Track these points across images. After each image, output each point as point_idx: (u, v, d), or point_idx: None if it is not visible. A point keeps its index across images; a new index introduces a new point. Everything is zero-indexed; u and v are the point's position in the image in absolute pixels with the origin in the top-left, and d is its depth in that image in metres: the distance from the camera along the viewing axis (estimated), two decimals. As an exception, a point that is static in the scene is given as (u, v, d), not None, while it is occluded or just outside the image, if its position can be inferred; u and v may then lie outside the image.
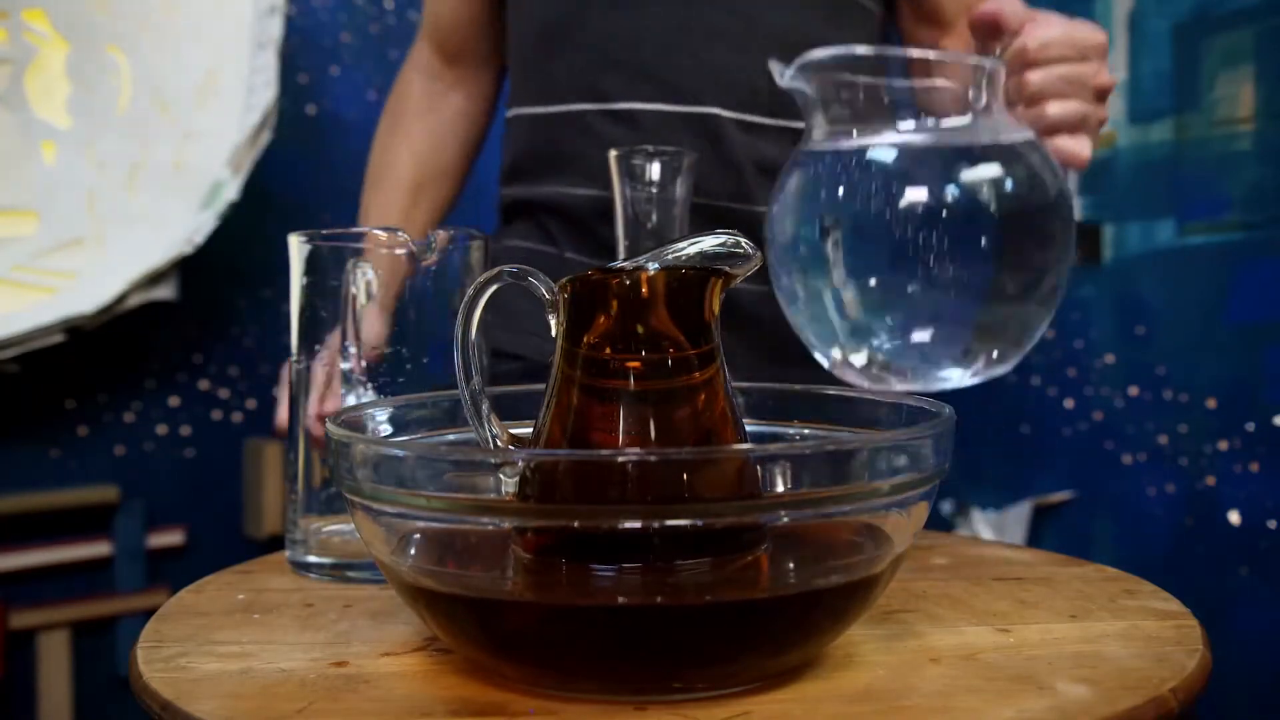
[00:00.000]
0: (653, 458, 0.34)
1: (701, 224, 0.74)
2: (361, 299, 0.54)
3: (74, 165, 1.48)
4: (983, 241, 0.49)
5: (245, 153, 1.53)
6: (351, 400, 0.55)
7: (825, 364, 0.55)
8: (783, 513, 0.36)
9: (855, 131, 0.51)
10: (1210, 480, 1.38)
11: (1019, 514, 1.57)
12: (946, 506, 1.67)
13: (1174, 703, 0.36)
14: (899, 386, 0.52)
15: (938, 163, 0.49)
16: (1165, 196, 1.41)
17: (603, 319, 0.40)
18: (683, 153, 0.63)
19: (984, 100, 0.52)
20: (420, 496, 0.36)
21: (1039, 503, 1.57)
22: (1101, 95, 0.56)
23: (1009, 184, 0.49)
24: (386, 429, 0.47)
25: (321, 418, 0.52)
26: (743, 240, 0.41)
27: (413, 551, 0.40)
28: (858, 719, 0.34)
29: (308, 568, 0.54)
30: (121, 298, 1.44)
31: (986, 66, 0.52)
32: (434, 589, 0.37)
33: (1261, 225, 1.34)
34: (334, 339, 0.55)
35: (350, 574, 0.52)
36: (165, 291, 1.50)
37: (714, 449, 0.39)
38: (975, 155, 0.49)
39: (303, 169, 1.74)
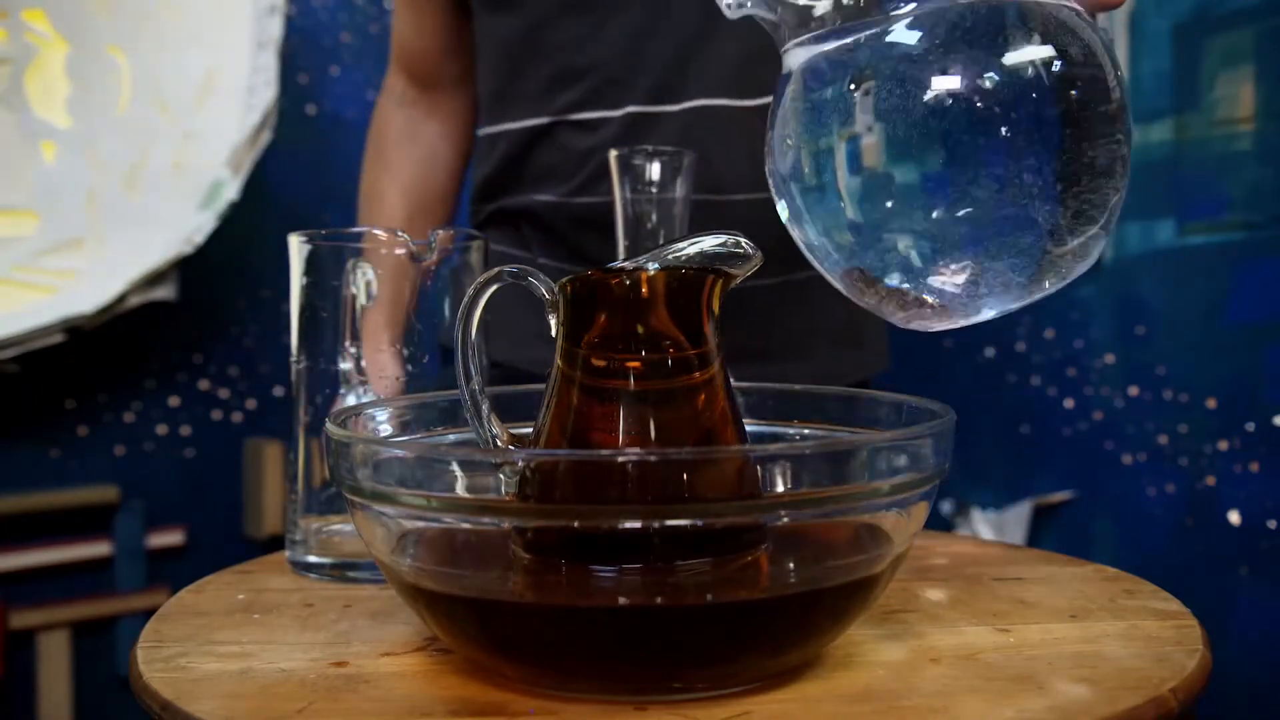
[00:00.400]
0: (653, 458, 0.34)
1: (724, 222, 0.73)
2: (361, 299, 0.54)
3: (74, 165, 1.48)
4: (1046, 131, 0.40)
5: (245, 153, 1.53)
6: (351, 400, 0.55)
7: (844, 288, 0.47)
8: (783, 513, 0.36)
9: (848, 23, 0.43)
10: (1210, 480, 1.38)
11: (1019, 514, 1.57)
12: (946, 506, 1.67)
13: (1174, 703, 0.36)
14: (930, 311, 0.45)
15: (983, 34, 0.41)
16: (1165, 197, 1.41)
17: (603, 319, 0.40)
18: (683, 152, 0.63)
19: None
20: (420, 496, 0.36)
21: (1039, 503, 1.57)
22: None
23: (1071, 61, 0.41)
24: (386, 429, 0.47)
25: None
26: (743, 240, 0.41)
27: (412, 551, 0.40)
28: (858, 719, 0.34)
29: (308, 568, 0.54)
30: (121, 298, 1.44)
31: None
32: (434, 589, 0.37)
33: (1261, 225, 1.34)
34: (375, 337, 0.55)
35: (350, 574, 0.52)
36: (165, 291, 1.50)
37: (714, 449, 0.39)
38: (1027, 22, 0.41)
39: (303, 169, 1.75)
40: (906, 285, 0.44)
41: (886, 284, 0.44)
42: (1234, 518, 1.35)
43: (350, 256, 0.54)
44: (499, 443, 0.43)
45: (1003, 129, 0.40)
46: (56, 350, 1.45)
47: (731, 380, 0.42)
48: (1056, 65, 0.40)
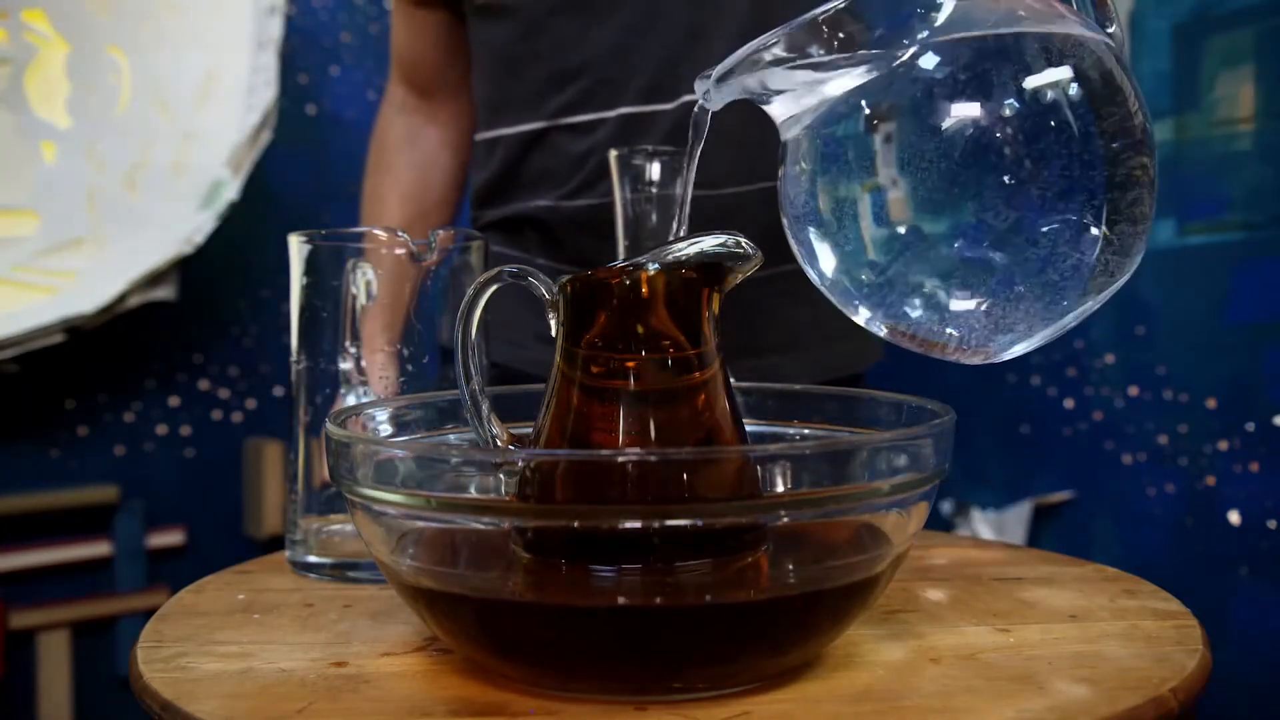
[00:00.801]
0: (653, 458, 0.34)
1: (709, 216, 0.73)
2: (361, 299, 0.54)
3: (74, 165, 1.48)
4: (1076, 167, 0.38)
5: (245, 153, 1.53)
6: (351, 400, 0.55)
7: (871, 326, 0.45)
8: (783, 513, 0.36)
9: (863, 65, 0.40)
10: (1210, 480, 1.38)
11: (1019, 514, 1.57)
12: (946, 506, 1.67)
13: (1174, 703, 0.36)
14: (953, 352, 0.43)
15: (1007, 65, 0.39)
16: (1165, 197, 1.41)
17: (603, 319, 0.40)
18: (682, 153, 0.63)
19: None
20: (420, 496, 0.36)
21: (1039, 503, 1.57)
22: None
23: (1093, 92, 0.39)
24: (386, 429, 0.47)
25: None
26: (743, 240, 0.41)
27: (412, 551, 0.40)
28: (857, 719, 0.34)
29: (308, 568, 0.54)
30: (121, 298, 1.44)
31: None
32: (434, 589, 0.37)
33: (1261, 225, 1.34)
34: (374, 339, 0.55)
35: (350, 574, 0.52)
36: (165, 291, 1.50)
37: (714, 449, 0.39)
38: (1052, 51, 0.39)
39: (303, 169, 1.75)
40: (951, 331, 0.42)
41: (927, 331, 0.43)
42: (1234, 518, 1.35)
43: (350, 256, 0.54)
44: (499, 443, 0.43)
45: (1028, 166, 0.39)
46: (56, 350, 1.45)
47: (731, 380, 0.42)
48: (1076, 96, 0.39)
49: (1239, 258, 1.35)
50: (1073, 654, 0.40)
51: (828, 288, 0.45)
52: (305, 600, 0.49)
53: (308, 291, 0.55)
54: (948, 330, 0.42)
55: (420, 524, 0.40)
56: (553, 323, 0.41)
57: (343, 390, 0.55)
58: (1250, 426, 1.34)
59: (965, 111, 0.39)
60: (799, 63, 0.42)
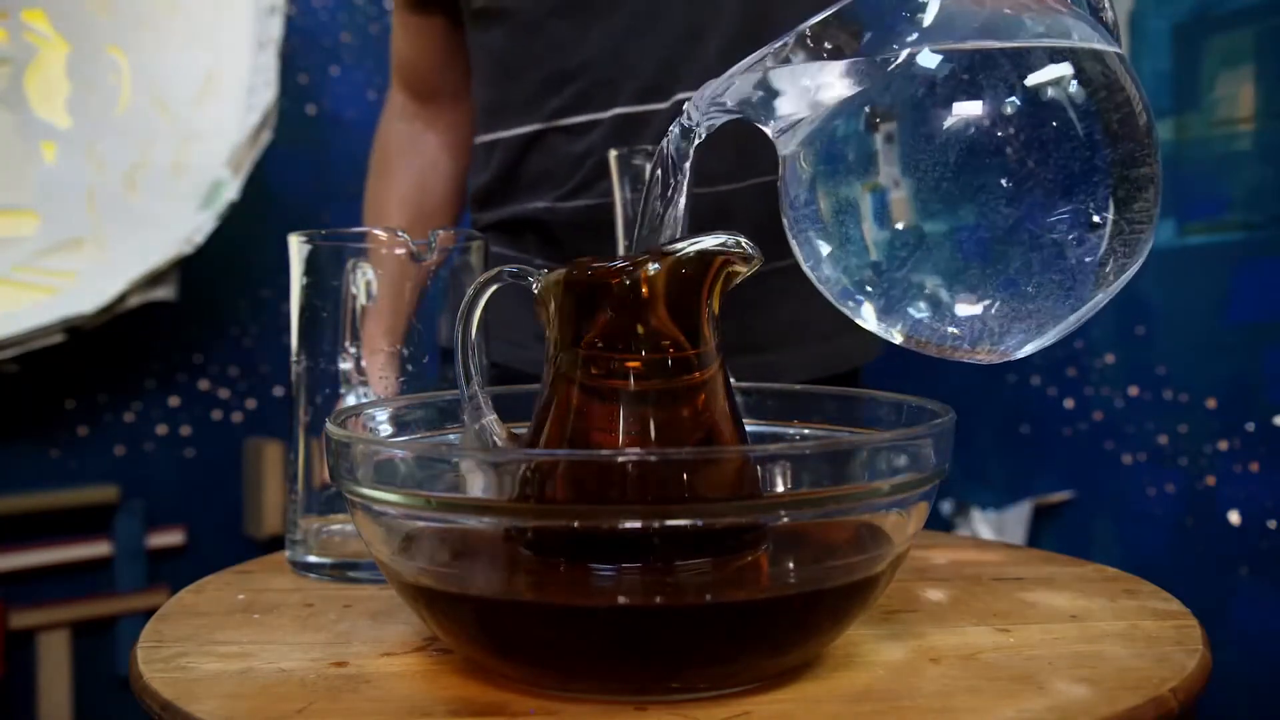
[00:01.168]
0: (653, 458, 0.34)
1: (703, 213, 0.73)
2: (361, 299, 0.54)
3: (74, 165, 1.48)
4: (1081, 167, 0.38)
5: (245, 153, 1.53)
6: (351, 400, 0.55)
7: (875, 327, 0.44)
8: (783, 513, 0.36)
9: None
10: (1210, 480, 1.38)
11: (1019, 514, 1.57)
12: (946, 506, 1.67)
13: (1174, 703, 0.36)
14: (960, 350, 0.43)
15: (1004, 62, 0.39)
16: (1165, 197, 1.40)
17: (602, 318, 0.40)
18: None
19: None
20: (420, 496, 0.36)
21: (1039, 503, 1.57)
22: None
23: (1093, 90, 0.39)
24: (386, 429, 0.47)
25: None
26: (742, 240, 0.41)
27: (412, 551, 0.40)
28: (858, 719, 0.34)
29: (308, 568, 0.54)
30: (121, 298, 1.44)
31: None
32: (434, 588, 0.37)
33: (1261, 225, 1.34)
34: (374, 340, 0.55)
35: (350, 574, 0.52)
36: (165, 291, 1.50)
37: (714, 449, 0.39)
38: (1050, 44, 0.39)
39: (303, 169, 1.75)
40: (964, 332, 0.42)
41: (940, 335, 0.42)
42: (1234, 518, 1.35)
43: (350, 256, 0.54)
44: (499, 442, 0.43)
45: (1030, 162, 0.38)
46: (56, 350, 1.46)
47: (731, 380, 0.42)
48: (1075, 88, 0.39)
49: (1239, 258, 1.35)
50: (1073, 654, 0.40)
51: (837, 296, 0.44)
52: (305, 600, 0.49)
53: (308, 291, 0.55)
54: (960, 332, 0.42)
55: (420, 524, 0.40)
56: (544, 319, 0.41)
57: (343, 390, 0.55)
58: (1250, 426, 1.34)
59: (965, 110, 0.39)
60: (791, 77, 0.42)
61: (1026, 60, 0.39)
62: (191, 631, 0.44)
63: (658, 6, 0.76)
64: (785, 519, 0.36)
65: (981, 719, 0.34)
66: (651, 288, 0.39)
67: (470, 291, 0.42)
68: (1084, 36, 0.41)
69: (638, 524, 0.34)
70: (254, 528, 1.69)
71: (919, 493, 0.38)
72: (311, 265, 0.55)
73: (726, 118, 0.44)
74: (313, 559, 0.54)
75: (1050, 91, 0.39)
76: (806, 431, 0.49)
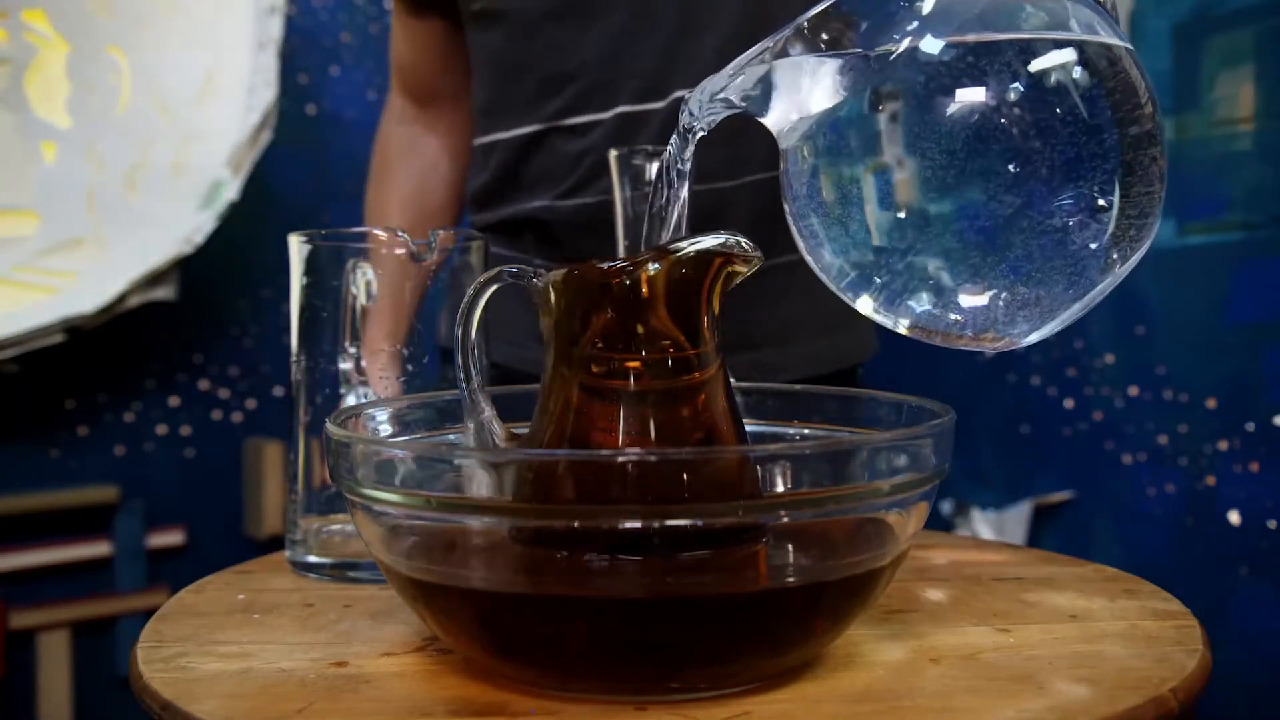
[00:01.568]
0: (653, 458, 0.34)
1: (701, 210, 0.73)
2: (361, 299, 0.54)
3: (74, 165, 1.48)
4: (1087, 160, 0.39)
5: (245, 153, 1.53)
6: (351, 400, 0.55)
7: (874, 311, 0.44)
8: (783, 513, 0.36)
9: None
10: (1210, 480, 1.38)
11: (1019, 514, 1.57)
12: (946, 506, 1.67)
13: (1174, 703, 0.36)
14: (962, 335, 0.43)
15: (1008, 48, 0.39)
16: (1165, 196, 1.41)
17: (602, 318, 0.40)
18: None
19: None
20: (420, 496, 0.36)
21: (1039, 503, 1.57)
22: None
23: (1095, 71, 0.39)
24: (386, 429, 0.47)
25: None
26: (742, 240, 0.41)
27: (411, 549, 0.40)
28: (858, 719, 0.34)
29: (308, 568, 0.54)
30: (121, 298, 1.44)
31: None
32: (431, 582, 0.37)
33: (1261, 225, 1.34)
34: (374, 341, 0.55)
35: (350, 574, 0.52)
36: (165, 291, 1.50)
37: (714, 449, 0.39)
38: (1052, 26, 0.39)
39: (303, 169, 1.75)
40: (969, 320, 0.42)
41: (946, 324, 0.42)
42: (1234, 518, 1.35)
43: (350, 256, 0.54)
44: (499, 442, 0.43)
45: (1034, 146, 0.38)
46: (56, 350, 1.45)
47: (731, 380, 0.42)
48: (1080, 78, 0.39)
49: (1239, 258, 1.35)
50: (1073, 654, 0.40)
51: (842, 287, 0.44)
52: (305, 600, 0.49)
53: (308, 291, 0.55)
54: (966, 319, 0.42)
55: (420, 523, 0.40)
56: (545, 318, 0.41)
57: (343, 390, 0.55)
58: (1250, 426, 1.34)
59: (967, 95, 0.39)
60: (791, 70, 0.42)
61: (1029, 44, 0.39)
62: (191, 631, 0.44)
63: (655, 6, 0.76)
64: (785, 519, 0.36)
65: (981, 719, 0.34)
66: (651, 288, 0.39)
67: (470, 291, 0.42)
68: (1082, 19, 0.41)
69: (638, 524, 0.34)
70: (254, 528, 1.69)
71: (919, 493, 0.38)
72: (311, 265, 0.55)
73: (728, 113, 0.44)
74: (313, 559, 0.54)
75: (1053, 75, 0.39)
76: (806, 431, 0.49)
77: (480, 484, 0.36)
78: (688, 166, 0.45)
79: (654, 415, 0.39)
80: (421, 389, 0.55)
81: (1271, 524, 1.31)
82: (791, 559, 0.40)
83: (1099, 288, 0.42)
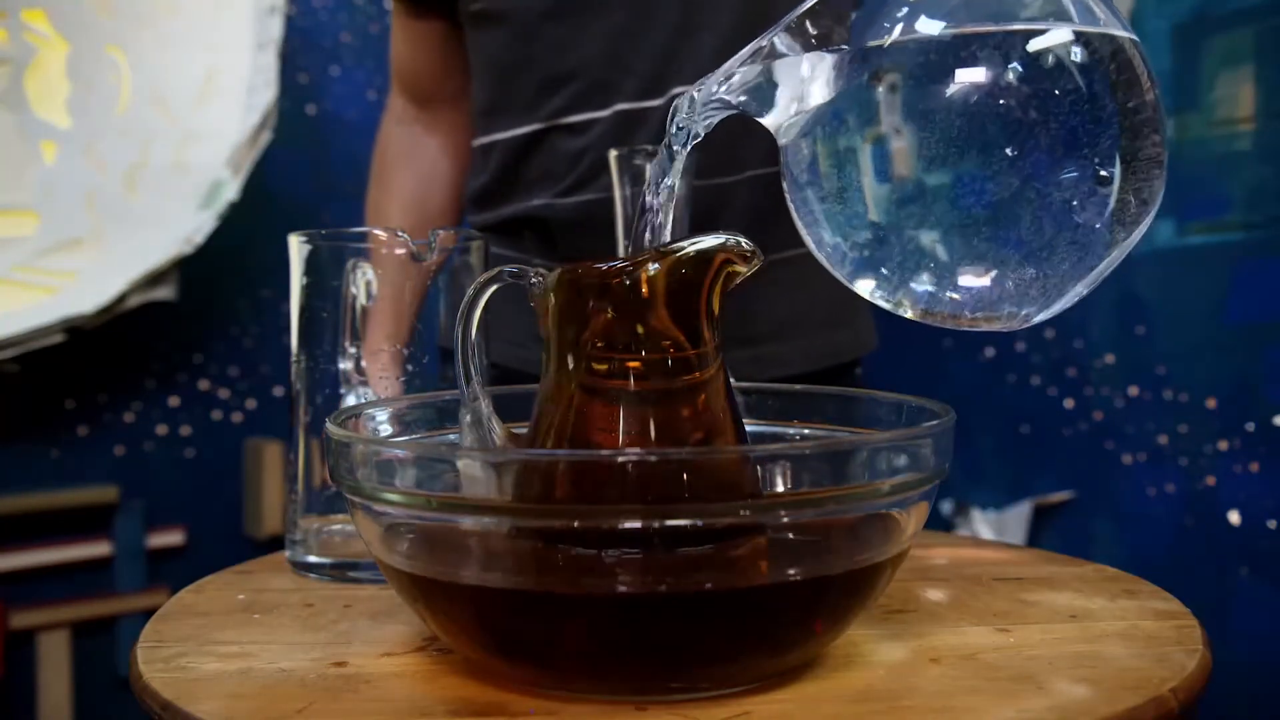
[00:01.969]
0: (653, 458, 0.34)
1: (700, 206, 0.73)
2: (361, 299, 0.54)
3: (74, 165, 1.48)
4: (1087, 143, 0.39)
5: (245, 153, 1.53)
6: (351, 400, 0.55)
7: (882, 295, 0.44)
8: (783, 513, 0.36)
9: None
10: (1210, 480, 1.38)
11: (1019, 514, 1.57)
12: (946, 506, 1.67)
13: (1174, 703, 0.36)
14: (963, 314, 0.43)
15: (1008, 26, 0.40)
16: (1165, 196, 1.41)
17: (602, 318, 0.40)
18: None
19: None
20: (420, 496, 0.36)
21: (1039, 503, 1.57)
22: None
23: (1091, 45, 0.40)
24: (386, 429, 0.47)
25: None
26: (742, 240, 0.41)
27: (412, 549, 0.40)
28: (857, 719, 0.34)
29: (308, 568, 0.54)
30: (121, 298, 1.44)
31: None
32: (433, 582, 0.37)
33: (1261, 225, 1.34)
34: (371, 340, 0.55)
35: (350, 574, 0.52)
36: (165, 291, 1.50)
37: (714, 449, 0.39)
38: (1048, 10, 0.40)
39: (303, 169, 1.75)
40: (975, 299, 0.42)
41: (952, 304, 0.42)
42: (1234, 518, 1.35)
43: (350, 256, 0.54)
44: (498, 442, 0.43)
45: (1035, 121, 0.39)
46: (56, 350, 1.45)
47: (731, 380, 0.42)
48: (1074, 50, 0.39)
49: (1239, 258, 1.35)
50: (1073, 654, 0.40)
51: (849, 274, 0.44)
52: (305, 600, 0.49)
53: (308, 291, 0.55)
54: (976, 299, 0.42)
55: (420, 523, 0.40)
56: (545, 317, 0.41)
57: (343, 390, 0.55)
58: (1250, 426, 1.34)
59: (965, 75, 0.39)
60: (787, 67, 0.42)
61: (1028, 22, 0.40)
62: (191, 631, 0.44)
63: (654, 4, 0.77)
64: (785, 519, 0.36)
65: (981, 719, 0.34)
66: (651, 288, 0.39)
67: (470, 291, 0.42)
68: None
69: (638, 524, 0.34)
70: (254, 528, 1.69)
71: (919, 493, 0.38)
72: (311, 265, 0.55)
73: (725, 114, 0.44)
74: (313, 559, 0.54)
75: (1049, 54, 0.39)
76: (806, 431, 0.49)
77: (480, 484, 0.36)
78: (681, 164, 0.45)
79: (654, 415, 0.39)
80: (421, 389, 0.55)
81: (1271, 524, 1.31)
82: (791, 558, 0.40)
83: (1106, 261, 0.42)
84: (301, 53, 1.74)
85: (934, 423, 0.39)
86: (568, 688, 0.36)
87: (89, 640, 1.57)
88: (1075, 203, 0.40)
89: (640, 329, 0.39)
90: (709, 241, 0.40)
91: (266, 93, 1.55)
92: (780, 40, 0.42)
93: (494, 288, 0.42)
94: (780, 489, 0.35)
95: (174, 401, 1.67)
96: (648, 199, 0.45)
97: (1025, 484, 1.60)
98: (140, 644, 0.42)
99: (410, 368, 0.55)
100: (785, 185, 0.43)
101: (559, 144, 0.80)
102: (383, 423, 0.47)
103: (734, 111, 0.44)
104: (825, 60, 0.41)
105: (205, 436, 1.69)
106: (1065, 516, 1.56)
